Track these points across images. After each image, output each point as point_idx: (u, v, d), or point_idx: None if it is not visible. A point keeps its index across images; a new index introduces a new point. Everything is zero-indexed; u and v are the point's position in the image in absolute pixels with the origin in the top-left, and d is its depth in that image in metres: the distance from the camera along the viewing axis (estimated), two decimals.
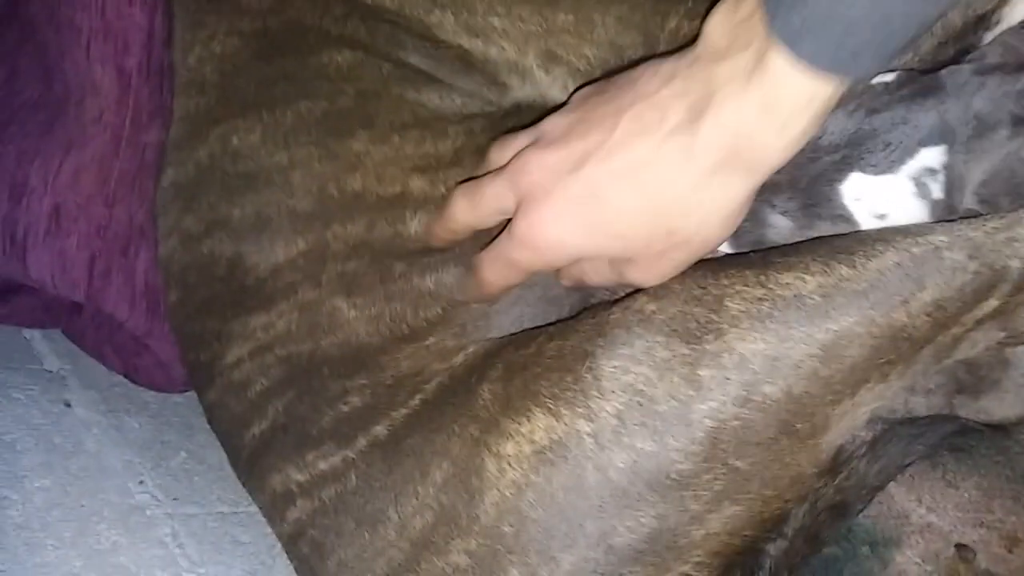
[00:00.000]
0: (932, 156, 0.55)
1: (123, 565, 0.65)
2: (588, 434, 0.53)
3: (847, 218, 0.57)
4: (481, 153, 0.62)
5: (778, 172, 0.50)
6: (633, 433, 0.52)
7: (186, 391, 0.84)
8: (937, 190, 0.55)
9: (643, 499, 0.53)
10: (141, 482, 0.76)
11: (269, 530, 0.69)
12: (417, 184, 0.64)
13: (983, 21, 0.63)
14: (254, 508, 0.70)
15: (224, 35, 0.70)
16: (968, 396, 0.60)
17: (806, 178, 0.57)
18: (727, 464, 0.52)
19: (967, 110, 0.55)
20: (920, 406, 0.62)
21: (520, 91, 0.68)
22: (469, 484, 0.55)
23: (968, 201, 0.55)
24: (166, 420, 0.85)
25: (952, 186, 0.55)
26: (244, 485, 0.69)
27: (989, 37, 0.66)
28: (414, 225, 0.64)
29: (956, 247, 0.52)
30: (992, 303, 0.53)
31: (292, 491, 0.63)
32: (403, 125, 0.66)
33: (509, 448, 0.55)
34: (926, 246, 0.52)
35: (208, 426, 0.73)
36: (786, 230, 0.58)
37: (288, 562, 0.67)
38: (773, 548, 0.65)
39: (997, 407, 0.60)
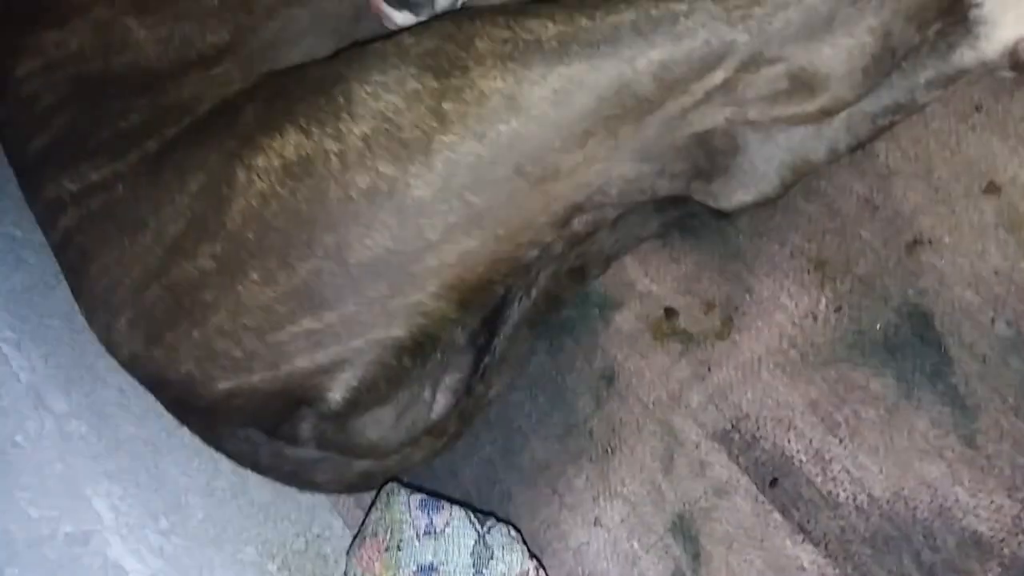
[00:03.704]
0: None
1: None
2: (335, 153, 0.56)
3: None
4: None
5: None
6: (377, 157, 0.56)
7: None
8: None
9: (380, 220, 0.56)
10: None
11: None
12: None
13: None
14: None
15: None
16: (703, 180, 0.66)
17: None
18: (462, 198, 0.56)
19: None
20: (664, 188, 0.67)
21: None
22: (220, 192, 0.58)
23: None
24: None
25: None
26: (25, 197, 0.70)
27: None
28: None
29: (693, 15, 0.54)
30: (719, 75, 0.56)
31: (64, 199, 0.65)
32: None
33: (260, 161, 0.57)
34: (665, 10, 0.55)
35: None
36: None
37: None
38: (519, 307, 0.71)
39: (724, 191, 0.66)
